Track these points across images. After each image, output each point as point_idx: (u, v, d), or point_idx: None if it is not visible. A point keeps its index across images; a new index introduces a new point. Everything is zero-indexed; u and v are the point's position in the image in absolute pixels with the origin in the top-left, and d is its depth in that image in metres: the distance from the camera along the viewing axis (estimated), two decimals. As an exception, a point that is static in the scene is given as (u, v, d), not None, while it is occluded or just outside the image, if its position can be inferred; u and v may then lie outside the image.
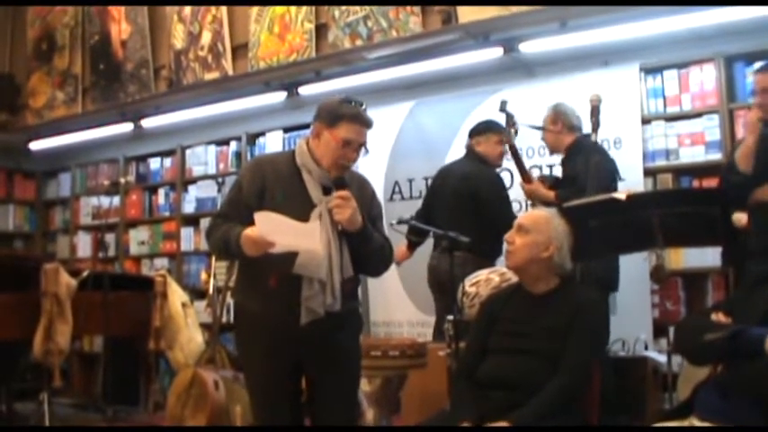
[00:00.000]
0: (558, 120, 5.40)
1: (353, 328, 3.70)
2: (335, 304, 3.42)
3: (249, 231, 3.31)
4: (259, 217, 3.30)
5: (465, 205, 5.51)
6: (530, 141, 6.24)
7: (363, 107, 3.53)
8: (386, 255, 3.63)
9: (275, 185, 3.51)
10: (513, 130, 5.44)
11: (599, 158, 5.09)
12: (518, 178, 5.57)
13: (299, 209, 3.41)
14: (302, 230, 3.34)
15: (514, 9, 5.61)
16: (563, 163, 5.43)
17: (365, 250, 3.50)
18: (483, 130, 5.77)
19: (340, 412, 3.58)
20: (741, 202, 4.15)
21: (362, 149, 3.54)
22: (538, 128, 5.49)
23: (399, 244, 5.82)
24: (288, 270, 3.35)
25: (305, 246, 3.33)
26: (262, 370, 3.57)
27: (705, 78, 5.83)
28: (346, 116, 3.46)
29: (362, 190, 3.62)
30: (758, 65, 4.45)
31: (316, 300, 3.40)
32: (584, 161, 5.03)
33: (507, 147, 5.47)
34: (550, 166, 6.10)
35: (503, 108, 5.40)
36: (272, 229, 3.30)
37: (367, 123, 3.51)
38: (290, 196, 3.47)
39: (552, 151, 5.63)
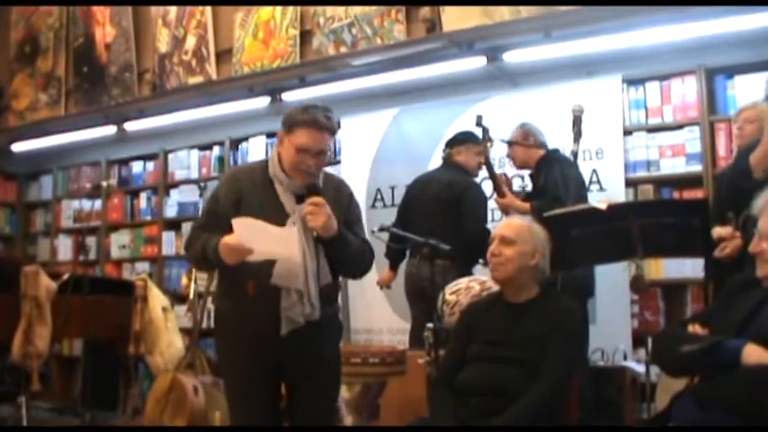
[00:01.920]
0: (529, 136, 5.43)
1: (333, 333, 3.70)
2: (315, 313, 3.42)
3: (227, 238, 3.30)
4: (237, 222, 3.29)
5: (447, 212, 5.52)
6: (502, 152, 6.28)
7: (328, 114, 3.47)
8: (365, 258, 3.62)
9: (251, 196, 3.50)
10: (488, 144, 5.45)
11: (571, 170, 5.14)
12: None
13: (274, 219, 3.40)
14: (280, 235, 3.35)
15: (498, 17, 5.64)
16: (533, 176, 5.44)
17: (343, 255, 3.49)
18: (464, 140, 5.79)
19: (318, 418, 3.58)
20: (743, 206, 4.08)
21: (324, 156, 3.50)
22: (510, 142, 5.49)
23: (383, 267, 5.89)
24: (265, 280, 3.37)
25: (283, 252, 3.34)
26: (240, 375, 3.56)
27: (687, 90, 5.87)
28: (301, 122, 3.43)
29: (339, 193, 3.61)
30: None
31: (294, 310, 3.40)
32: (558, 172, 5.08)
33: (483, 160, 5.48)
34: (522, 177, 6.11)
35: (479, 122, 5.41)
36: (250, 236, 3.30)
37: (324, 128, 3.45)
38: (265, 207, 3.46)
39: (520, 167, 5.62)
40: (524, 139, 5.44)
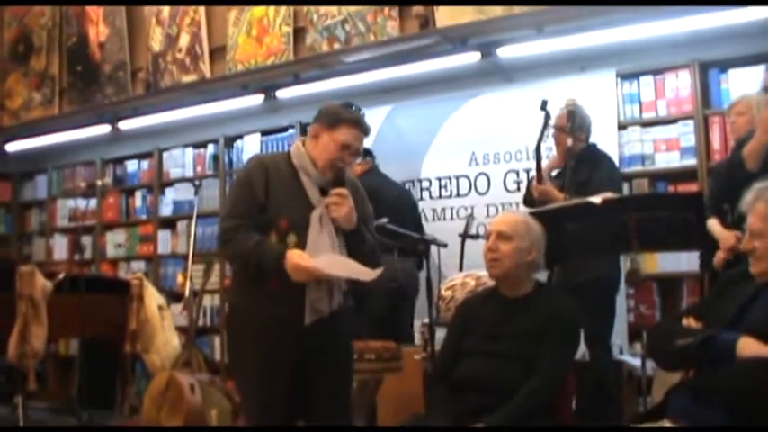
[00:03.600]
0: (584, 126, 5.30)
1: (350, 327, 3.69)
2: (339, 304, 3.47)
3: (300, 260, 3.31)
4: (321, 261, 3.35)
5: (409, 216, 5.66)
6: (507, 146, 6.29)
7: (363, 114, 3.56)
8: (376, 256, 3.61)
9: (278, 185, 3.51)
10: (549, 131, 5.27)
11: (616, 172, 5.22)
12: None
13: (299, 209, 3.44)
14: (342, 261, 3.44)
15: (492, 14, 5.64)
16: (574, 169, 5.15)
17: (359, 250, 3.49)
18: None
19: (335, 417, 3.55)
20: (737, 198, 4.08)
21: (358, 154, 3.62)
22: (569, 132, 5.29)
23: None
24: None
25: (345, 274, 3.42)
26: (261, 371, 3.51)
27: (680, 85, 5.88)
28: (347, 120, 3.48)
29: (355, 192, 3.60)
30: None
31: (322, 300, 3.42)
32: (606, 173, 5.07)
33: (538, 145, 5.22)
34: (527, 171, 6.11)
35: (543, 107, 5.21)
36: (330, 263, 3.36)
37: (366, 130, 3.55)
38: (290, 196, 3.49)
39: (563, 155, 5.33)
40: (580, 130, 5.25)
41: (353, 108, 3.54)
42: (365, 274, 3.36)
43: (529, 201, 5.29)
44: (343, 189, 3.43)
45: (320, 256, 3.33)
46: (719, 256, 4.32)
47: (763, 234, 2.67)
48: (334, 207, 3.39)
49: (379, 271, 3.37)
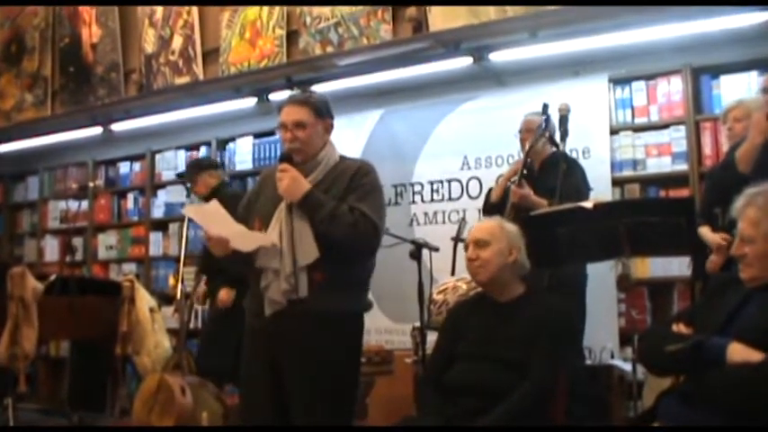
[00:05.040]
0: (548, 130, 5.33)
1: (339, 331, 3.51)
2: (296, 292, 3.38)
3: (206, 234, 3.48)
4: (189, 210, 3.66)
5: None
6: (499, 150, 6.29)
7: (305, 91, 3.76)
8: (354, 227, 3.42)
9: (267, 191, 3.62)
10: (546, 135, 5.18)
11: (586, 182, 5.17)
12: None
13: (270, 205, 3.52)
14: (218, 217, 3.53)
15: (485, 18, 5.65)
16: (539, 175, 5.23)
17: (315, 219, 3.41)
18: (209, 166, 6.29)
19: (306, 419, 3.44)
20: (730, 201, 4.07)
21: (301, 129, 3.55)
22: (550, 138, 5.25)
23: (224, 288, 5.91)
24: (251, 264, 3.49)
25: (241, 230, 3.49)
26: (245, 371, 3.61)
27: (672, 90, 5.89)
28: (281, 104, 3.64)
29: (346, 170, 3.60)
30: None
31: (272, 288, 3.42)
32: (580, 180, 5.10)
33: (527, 148, 5.21)
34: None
35: (545, 111, 5.21)
36: (210, 221, 3.54)
37: (291, 102, 3.62)
38: (269, 196, 3.56)
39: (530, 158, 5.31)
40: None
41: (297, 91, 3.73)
42: (247, 239, 3.47)
43: (488, 208, 5.32)
44: (285, 164, 3.46)
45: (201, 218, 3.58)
46: (713, 261, 4.33)
47: (753, 239, 2.67)
48: (278, 183, 3.43)
49: (268, 239, 3.41)
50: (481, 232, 3.63)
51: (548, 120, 5.13)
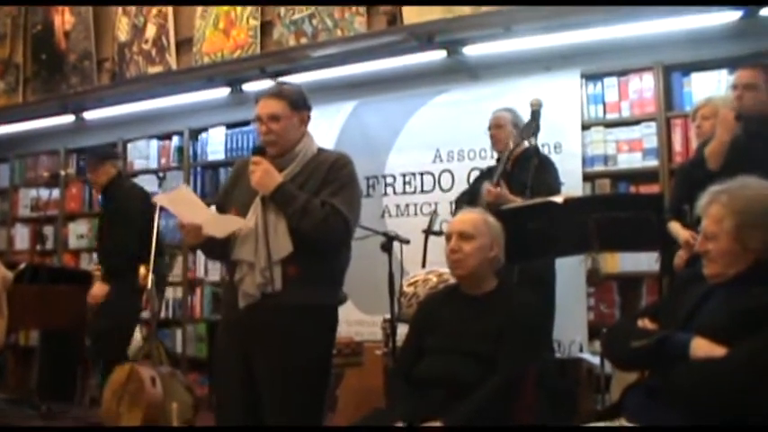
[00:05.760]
0: (517, 124, 5.37)
1: (313, 324, 3.52)
2: (270, 285, 3.41)
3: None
4: (160, 199, 3.74)
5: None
6: (471, 144, 6.31)
7: (281, 83, 3.78)
8: (324, 221, 3.43)
9: (243, 181, 3.61)
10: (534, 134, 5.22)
11: (554, 168, 5.21)
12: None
13: (247, 195, 3.53)
14: (190, 204, 3.59)
15: (459, 12, 5.67)
16: (512, 170, 5.20)
17: (287, 213, 3.43)
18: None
19: (278, 412, 3.47)
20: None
21: (275, 122, 3.57)
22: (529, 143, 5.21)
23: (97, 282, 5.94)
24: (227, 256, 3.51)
25: (214, 215, 3.56)
26: (218, 362, 3.67)
27: (644, 86, 5.93)
28: (257, 96, 3.68)
29: (323, 163, 3.61)
30: None
31: (246, 281, 3.44)
32: (552, 178, 5.14)
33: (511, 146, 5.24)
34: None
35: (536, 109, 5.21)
36: (181, 208, 3.57)
37: (266, 95, 3.64)
38: (245, 185, 3.57)
39: (500, 151, 5.40)
40: (515, 125, 5.36)
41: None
42: (220, 225, 3.50)
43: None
44: (257, 157, 3.49)
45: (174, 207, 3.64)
46: (680, 256, 4.37)
47: (716, 236, 2.71)
48: (251, 176, 3.46)
49: (241, 222, 3.45)
50: (466, 225, 3.62)
51: (537, 116, 5.06)
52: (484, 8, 5.59)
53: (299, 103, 3.64)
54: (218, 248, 3.56)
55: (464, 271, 3.58)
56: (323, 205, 3.44)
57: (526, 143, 5.21)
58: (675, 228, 4.40)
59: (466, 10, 5.66)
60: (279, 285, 3.41)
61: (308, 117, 3.69)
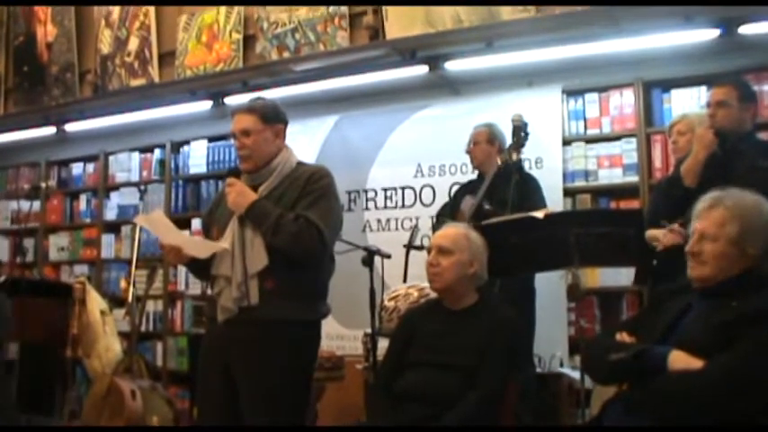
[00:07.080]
0: (495, 140, 5.38)
1: (290, 338, 3.52)
2: (246, 299, 3.44)
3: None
4: (141, 220, 3.76)
5: None
6: (453, 159, 6.33)
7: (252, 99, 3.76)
8: (298, 235, 3.43)
9: (224, 198, 3.63)
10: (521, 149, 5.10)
11: (539, 187, 5.22)
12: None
13: (226, 214, 3.57)
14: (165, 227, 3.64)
15: (441, 27, 5.69)
16: (492, 186, 5.11)
17: (261, 230, 3.45)
18: None
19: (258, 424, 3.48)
20: (679, 216, 4.08)
21: (248, 137, 3.61)
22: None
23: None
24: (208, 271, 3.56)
25: (191, 238, 3.57)
26: (200, 376, 3.66)
27: (624, 102, 5.96)
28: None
29: (299, 177, 3.62)
30: None
31: (224, 295, 3.47)
32: (537, 196, 5.15)
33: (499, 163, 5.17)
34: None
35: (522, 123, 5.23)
36: (160, 230, 3.63)
37: (238, 110, 3.69)
38: (225, 205, 3.62)
39: (478, 167, 5.47)
40: (490, 143, 5.38)
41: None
42: (199, 247, 3.56)
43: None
44: (230, 178, 3.56)
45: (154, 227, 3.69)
46: (667, 236, 4.30)
47: (717, 238, 2.70)
48: (227, 197, 3.53)
49: (217, 247, 3.48)
50: (446, 240, 3.65)
51: (518, 131, 5.02)
52: (466, 23, 5.61)
53: (271, 117, 3.66)
54: (204, 271, 3.61)
55: (441, 285, 3.60)
56: (297, 218, 3.45)
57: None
58: (652, 231, 4.39)
59: (448, 24, 5.68)
60: (255, 299, 3.43)
61: (283, 130, 3.71)
